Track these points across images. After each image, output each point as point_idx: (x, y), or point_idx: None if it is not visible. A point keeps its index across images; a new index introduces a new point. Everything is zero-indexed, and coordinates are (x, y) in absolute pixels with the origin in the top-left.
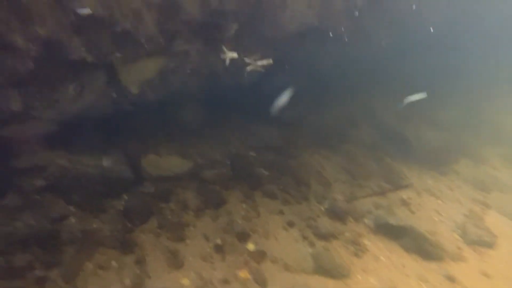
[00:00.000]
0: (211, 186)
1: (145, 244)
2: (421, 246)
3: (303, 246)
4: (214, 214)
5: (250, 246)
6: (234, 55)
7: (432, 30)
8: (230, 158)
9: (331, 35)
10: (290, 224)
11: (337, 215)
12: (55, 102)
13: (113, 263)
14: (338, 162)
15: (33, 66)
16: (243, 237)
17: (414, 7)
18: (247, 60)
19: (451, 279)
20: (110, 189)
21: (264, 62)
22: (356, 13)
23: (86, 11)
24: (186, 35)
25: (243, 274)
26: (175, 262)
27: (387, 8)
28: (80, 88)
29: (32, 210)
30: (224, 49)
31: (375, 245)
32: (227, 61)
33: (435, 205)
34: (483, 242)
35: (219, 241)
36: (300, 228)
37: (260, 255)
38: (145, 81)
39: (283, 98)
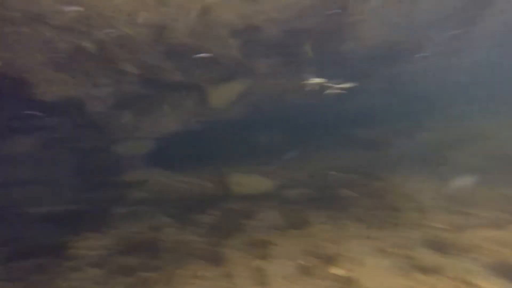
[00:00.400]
0: (293, 206)
1: (230, 258)
2: None
3: (397, 278)
4: (297, 234)
5: (336, 271)
6: (320, 80)
7: None
8: (313, 178)
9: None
10: (380, 251)
11: (437, 246)
12: (154, 122)
13: (204, 273)
14: (435, 187)
15: (138, 87)
16: (328, 260)
17: None
18: (327, 84)
19: None
20: (200, 204)
21: (346, 85)
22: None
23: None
24: (265, 56)
25: None
26: (259, 279)
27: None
28: (175, 108)
29: (137, 218)
30: (308, 76)
31: (491, 285)
32: (311, 87)
33: None
34: None
35: (302, 262)
36: (392, 256)
37: (346, 282)
38: (230, 102)
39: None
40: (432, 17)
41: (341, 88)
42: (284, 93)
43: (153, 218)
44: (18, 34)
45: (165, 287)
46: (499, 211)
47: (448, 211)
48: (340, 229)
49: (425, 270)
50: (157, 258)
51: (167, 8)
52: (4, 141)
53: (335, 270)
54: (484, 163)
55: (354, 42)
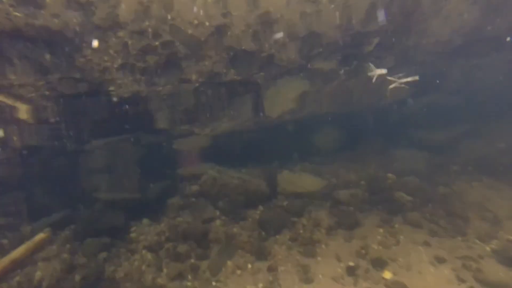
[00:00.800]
0: (344, 207)
1: (277, 254)
2: None
3: None
4: (348, 235)
5: (388, 275)
6: (383, 71)
7: None
8: (367, 179)
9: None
10: (439, 260)
11: (510, 261)
12: (211, 123)
13: (249, 266)
14: (510, 196)
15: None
16: (379, 264)
17: None
18: (390, 78)
19: None
20: (249, 200)
21: (409, 79)
22: None
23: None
24: (324, 55)
25: None
26: (306, 277)
27: None
28: (232, 113)
29: (190, 210)
30: (372, 66)
31: None
32: (374, 78)
33: None
34: None
35: (352, 264)
36: (453, 266)
37: (399, 287)
38: (286, 110)
39: None
40: None
41: (404, 82)
42: (350, 94)
43: (205, 210)
44: None
45: (212, 275)
46: None
47: None
48: (395, 234)
49: (493, 286)
50: (206, 248)
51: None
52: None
53: (387, 275)
54: None
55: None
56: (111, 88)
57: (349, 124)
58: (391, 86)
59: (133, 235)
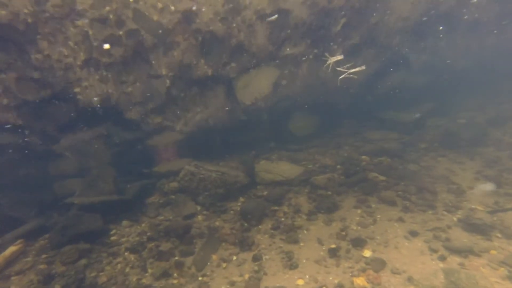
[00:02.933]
0: (323, 191)
1: (261, 243)
2: None
3: (431, 260)
4: (327, 219)
5: (367, 254)
6: (338, 57)
7: None
8: (342, 163)
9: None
10: (413, 234)
11: (476, 228)
12: (184, 117)
13: (234, 258)
14: (473, 167)
15: (169, 82)
16: (359, 243)
17: None
18: (339, 68)
19: None
20: (229, 192)
21: (357, 69)
22: None
23: None
24: (294, 39)
25: (360, 281)
26: (290, 263)
27: None
28: (205, 106)
29: (170, 207)
30: (327, 55)
31: None
32: (331, 65)
33: None
34: None
35: (333, 246)
36: (425, 239)
37: (379, 264)
38: (259, 97)
39: None
40: None
41: (352, 72)
42: (320, 80)
43: (185, 206)
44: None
45: (197, 271)
46: None
47: (488, 192)
48: (371, 213)
49: (459, 251)
50: (190, 244)
51: None
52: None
53: (366, 253)
54: None
55: (387, 14)
56: (77, 89)
57: (323, 109)
58: (341, 76)
59: (113, 238)
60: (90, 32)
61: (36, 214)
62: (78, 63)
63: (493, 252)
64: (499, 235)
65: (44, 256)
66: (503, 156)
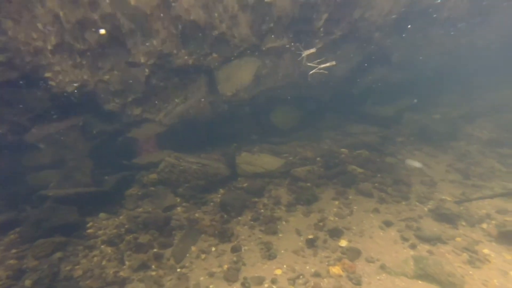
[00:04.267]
0: (302, 183)
1: (240, 234)
2: None
3: (402, 248)
4: (306, 210)
5: (343, 243)
6: (311, 51)
7: None
8: (322, 155)
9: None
10: (387, 224)
11: (444, 217)
12: (164, 108)
13: (213, 249)
14: (445, 160)
15: (148, 71)
16: (336, 234)
17: None
18: (309, 63)
19: None
20: (210, 184)
21: (328, 64)
22: None
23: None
24: (277, 31)
25: (336, 270)
26: (269, 253)
27: None
28: (186, 97)
29: (149, 199)
30: (300, 47)
31: (500, 257)
32: (305, 59)
33: None
34: None
35: (311, 237)
36: (398, 228)
37: (354, 253)
38: (241, 87)
39: None
40: None
41: (323, 68)
42: (302, 74)
43: (165, 198)
44: None
45: (176, 262)
46: (508, 182)
47: (458, 183)
48: (349, 204)
49: (429, 240)
50: (169, 236)
51: None
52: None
53: (343, 243)
54: (497, 135)
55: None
56: (48, 75)
57: (306, 102)
58: (311, 72)
59: (90, 230)
60: (61, 13)
61: (7, 207)
62: (49, 47)
63: (458, 239)
64: (464, 223)
65: (14, 251)
66: (473, 149)
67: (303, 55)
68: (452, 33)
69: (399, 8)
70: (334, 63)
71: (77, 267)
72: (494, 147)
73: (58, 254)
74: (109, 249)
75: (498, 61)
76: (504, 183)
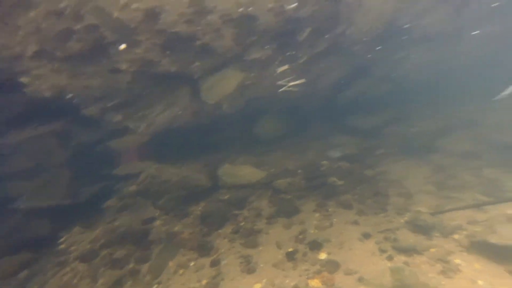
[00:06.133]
0: (284, 195)
1: (220, 248)
2: None
3: (380, 260)
4: (287, 222)
5: (323, 256)
6: (285, 67)
7: None
8: (304, 167)
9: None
10: (366, 236)
11: (420, 228)
12: (146, 116)
13: (192, 263)
14: (422, 172)
15: (130, 79)
16: (316, 246)
17: None
18: (280, 82)
19: None
20: (191, 195)
21: (298, 82)
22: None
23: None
24: (261, 44)
25: (315, 283)
26: (248, 267)
27: None
28: (169, 107)
29: (128, 211)
30: (276, 63)
31: (470, 266)
32: (278, 73)
33: None
34: None
35: (291, 249)
36: (377, 240)
37: (333, 266)
38: (224, 97)
39: None
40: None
41: (293, 85)
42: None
43: (145, 210)
44: None
45: (153, 278)
46: (479, 194)
47: (433, 195)
48: (329, 216)
49: (405, 251)
50: (146, 249)
51: None
52: None
53: (322, 256)
54: (472, 148)
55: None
56: (25, 79)
57: (290, 113)
58: (281, 89)
59: (62, 246)
60: (43, 25)
61: None
62: (28, 54)
63: (432, 250)
64: (438, 234)
65: None
66: (447, 163)
67: (277, 71)
68: (427, 50)
69: (378, 26)
70: (303, 80)
71: (45, 286)
72: (468, 160)
73: (25, 273)
74: (81, 266)
75: (470, 76)
76: (475, 194)
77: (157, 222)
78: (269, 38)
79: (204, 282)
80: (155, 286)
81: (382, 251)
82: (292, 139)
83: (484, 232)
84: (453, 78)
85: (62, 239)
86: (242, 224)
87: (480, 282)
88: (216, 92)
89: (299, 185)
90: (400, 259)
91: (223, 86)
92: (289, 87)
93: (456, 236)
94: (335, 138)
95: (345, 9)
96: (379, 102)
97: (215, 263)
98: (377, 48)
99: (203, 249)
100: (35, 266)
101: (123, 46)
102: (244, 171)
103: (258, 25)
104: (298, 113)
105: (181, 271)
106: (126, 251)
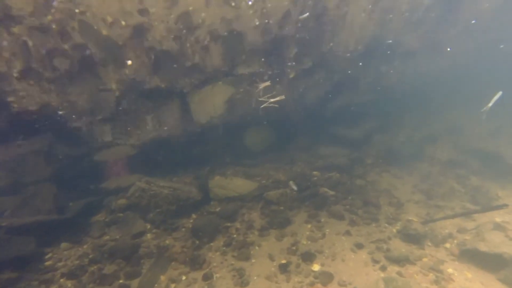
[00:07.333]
0: (275, 207)
1: (212, 261)
2: None
3: (373, 270)
4: (279, 234)
5: (316, 268)
6: (267, 83)
7: None
8: (294, 178)
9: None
10: (358, 246)
11: (412, 238)
12: (136, 131)
13: (184, 278)
14: (411, 182)
15: (119, 93)
16: (309, 258)
17: None
18: (261, 98)
19: None
20: (181, 209)
21: (277, 98)
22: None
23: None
24: (248, 60)
25: None
26: (241, 280)
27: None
28: (158, 120)
29: (117, 226)
30: (257, 80)
31: (462, 275)
32: (261, 91)
33: None
34: None
35: (284, 261)
36: (369, 250)
37: (326, 277)
38: (213, 111)
39: None
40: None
41: (273, 102)
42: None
43: (134, 225)
44: None
45: None
46: (467, 202)
47: (423, 204)
48: (321, 227)
49: (398, 261)
50: (137, 265)
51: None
52: None
53: (315, 267)
54: (457, 157)
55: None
56: (11, 99)
57: (279, 125)
58: (262, 106)
59: (48, 263)
60: (30, 43)
61: None
62: (15, 74)
63: (425, 259)
64: (429, 243)
65: None
66: (434, 171)
67: (260, 87)
68: (408, 63)
69: (362, 43)
70: (283, 97)
71: None
72: (453, 168)
73: None
74: (69, 283)
75: (451, 86)
76: (463, 203)
77: (148, 236)
78: (256, 54)
79: None
80: None
81: (375, 261)
82: (282, 150)
83: (473, 240)
84: (439, 87)
85: (48, 256)
86: (234, 236)
87: None
88: (206, 108)
89: (290, 196)
90: (393, 269)
91: (213, 101)
92: (269, 103)
93: (447, 245)
94: (324, 149)
95: (329, 27)
96: (365, 113)
97: (207, 277)
98: (360, 63)
99: (195, 262)
100: (19, 285)
101: (130, 62)
102: (235, 183)
103: (245, 42)
104: (288, 124)
105: (173, 286)
106: (116, 266)
